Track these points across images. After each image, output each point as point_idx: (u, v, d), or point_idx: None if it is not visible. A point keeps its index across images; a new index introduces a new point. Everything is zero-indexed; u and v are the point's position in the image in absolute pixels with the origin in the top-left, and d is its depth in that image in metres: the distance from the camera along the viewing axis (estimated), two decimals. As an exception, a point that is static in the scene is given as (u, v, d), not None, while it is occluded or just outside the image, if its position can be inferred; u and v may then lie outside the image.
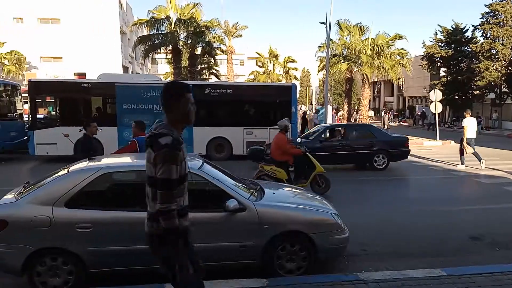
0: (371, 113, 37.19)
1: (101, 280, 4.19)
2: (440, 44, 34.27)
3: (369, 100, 31.37)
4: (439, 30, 34.76)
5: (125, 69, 43.76)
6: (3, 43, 34.51)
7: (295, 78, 48.23)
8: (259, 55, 47.39)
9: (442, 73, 35.95)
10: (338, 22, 24.85)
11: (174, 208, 2.33)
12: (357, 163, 12.96)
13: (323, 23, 20.14)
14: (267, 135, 14.45)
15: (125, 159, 5.27)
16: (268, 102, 15.02)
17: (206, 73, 33.47)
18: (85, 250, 4.07)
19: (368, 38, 24.42)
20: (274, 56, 46.23)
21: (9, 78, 32.01)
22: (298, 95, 24.94)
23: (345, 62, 24.46)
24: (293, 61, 47.38)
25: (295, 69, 49.08)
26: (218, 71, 35.61)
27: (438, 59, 34.20)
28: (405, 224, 6.85)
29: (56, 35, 37.48)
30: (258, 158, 9.13)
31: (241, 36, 36.63)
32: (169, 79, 31.75)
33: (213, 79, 33.52)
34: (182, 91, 2.51)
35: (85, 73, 17.91)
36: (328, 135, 13.31)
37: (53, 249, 4.07)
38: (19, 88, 16.52)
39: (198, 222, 4.24)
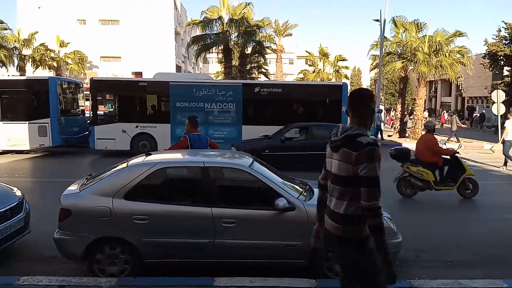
0: (426, 113, 35.49)
1: (155, 271, 4.37)
2: (503, 41, 31.81)
3: (425, 100, 29.85)
4: (503, 27, 32.18)
5: (178, 68, 45.28)
6: (68, 43, 36.97)
7: (346, 77, 47.12)
8: (309, 53, 46.88)
9: (506, 73, 33.39)
10: (394, 19, 23.92)
11: (380, 206, 2.37)
12: (317, 164, 12.38)
13: (377, 20, 19.51)
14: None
15: (178, 155, 5.46)
16: (318, 101, 14.86)
17: (256, 72, 33.71)
18: (140, 241, 4.27)
19: (425, 35, 23.26)
20: (324, 54, 45.51)
21: (72, 76, 34.34)
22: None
23: (399, 60, 23.50)
24: (343, 60, 46.35)
25: (346, 67, 47.98)
26: (267, 70, 35.73)
27: (502, 57, 31.72)
28: (465, 232, 6.46)
29: (116, 36, 39.58)
30: (404, 159, 8.93)
31: (291, 35, 36.50)
32: (220, 78, 32.40)
33: (262, 78, 33.70)
34: (372, 98, 2.64)
35: (141, 72, 18.77)
36: (292, 134, 12.76)
37: (112, 238, 4.31)
38: (81, 86, 17.67)
39: (247, 219, 4.31)
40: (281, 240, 4.30)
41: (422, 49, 22.47)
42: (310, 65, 49.44)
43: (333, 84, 17.72)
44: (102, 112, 15.66)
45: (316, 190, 4.95)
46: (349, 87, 15.90)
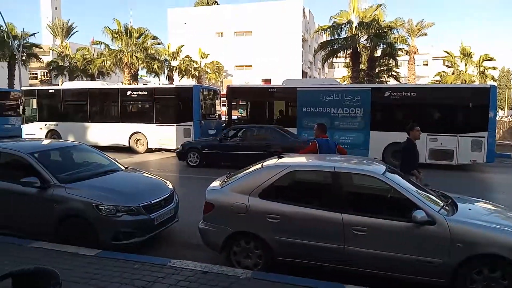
0: None
1: (285, 268, 4.55)
2: None
3: None
4: None
5: (304, 74, 46.03)
6: (207, 54, 41.12)
7: (492, 78, 41.35)
8: (448, 53, 42.53)
9: None
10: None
11: None
12: (247, 163, 11.42)
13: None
14: (455, 143, 12.91)
15: (309, 159, 5.57)
16: (459, 106, 13.34)
17: (385, 75, 32.07)
18: (272, 238, 4.50)
19: None
20: (466, 54, 40.71)
21: (210, 84, 38.02)
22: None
23: None
24: (490, 59, 40.76)
25: (493, 68, 42.09)
26: (398, 73, 33.64)
27: None
28: None
29: (248, 46, 42.35)
30: None
31: (425, 34, 33.66)
32: (345, 82, 31.80)
33: (391, 82, 31.86)
34: None
35: (270, 79, 19.68)
36: (232, 134, 13.35)
37: (248, 233, 4.64)
38: (219, 92, 19.41)
39: (379, 229, 4.16)
40: (417, 255, 4.03)
41: None
42: (448, 67, 44.85)
43: (479, 87, 15.64)
44: (235, 117, 16.91)
45: (461, 205, 4.49)
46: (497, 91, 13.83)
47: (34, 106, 19.07)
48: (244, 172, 5.16)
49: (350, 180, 4.88)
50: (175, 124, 16.38)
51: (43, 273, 2.41)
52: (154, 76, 35.20)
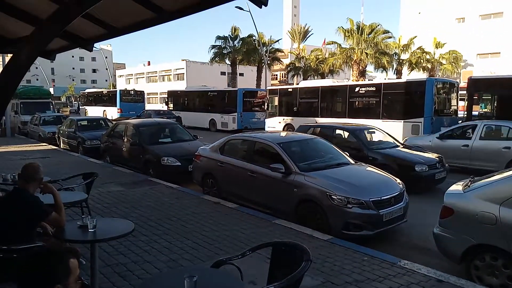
0: None
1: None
2: None
3: None
4: None
5: None
6: (443, 44, 37.12)
7: None
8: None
9: None
10: None
11: None
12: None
13: None
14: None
15: None
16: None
17: None
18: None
19: None
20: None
21: (444, 76, 34.27)
22: None
23: None
24: None
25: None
26: None
27: None
28: None
29: (496, 30, 35.83)
30: None
31: None
32: None
33: None
34: None
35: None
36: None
37: (495, 248, 3.99)
38: (456, 85, 17.24)
39: None
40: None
41: None
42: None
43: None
44: (476, 113, 14.69)
45: None
46: None
47: (276, 103, 22.08)
48: (493, 177, 4.44)
49: None
50: (402, 120, 15.62)
51: (298, 248, 2.76)
52: (382, 71, 34.55)
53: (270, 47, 39.48)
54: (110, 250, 4.74)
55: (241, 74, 47.05)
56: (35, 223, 3.28)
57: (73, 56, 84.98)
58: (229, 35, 38.53)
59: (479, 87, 14.17)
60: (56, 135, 16.53)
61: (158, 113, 27.21)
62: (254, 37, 37.30)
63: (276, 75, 63.20)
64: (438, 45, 37.49)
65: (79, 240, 3.43)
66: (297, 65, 44.15)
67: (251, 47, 38.15)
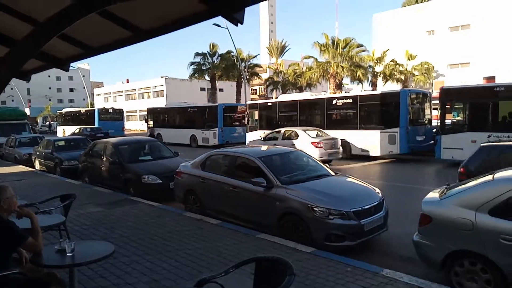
0: None
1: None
2: None
3: None
4: None
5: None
6: (415, 56, 38.34)
7: None
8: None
9: None
10: None
11: None
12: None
13: None
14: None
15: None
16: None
17: None
18: (506, 263, 3.82)
19: None
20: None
21: (417, 87, 35.30)
22: None
23: None
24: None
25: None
26: None
27: None
28: None
29: (465, 42, 37.32)
30: None
31: None
32: None
33: None
34: None
35: (494, 76, 16.78)
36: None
37: (473, 253, 4.09)
38: (429, 95, 17.80)
39: None
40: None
41: None
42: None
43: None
44: (449, 121, 15.17)
45: None
46: None
47: (256, 117, 22.22)
48: (468, 184, 4.58)
49: None
50: (379, 131, 15.98)
51: (281, 263, 2.77)
52: (358, 83, 35.39)
53: (249, 63, 39.90)
54: (90, 273, 4.61)
55: (221, 90, 47.24)
56: (11, 250, 3.17)
57: (49, 76, 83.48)
58: (207, 51, 38.79)
59: (451, 97, 14.66)
60: (33, 157, 16.11)
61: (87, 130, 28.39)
62: (232, 53, 37.66)
63: (256, 89, 63.67)
64: (410, 57, 38.67)
65: (57, 265, 3.33)
66: (275, 80, 44.70)
67: (229, 63, 38.48)
